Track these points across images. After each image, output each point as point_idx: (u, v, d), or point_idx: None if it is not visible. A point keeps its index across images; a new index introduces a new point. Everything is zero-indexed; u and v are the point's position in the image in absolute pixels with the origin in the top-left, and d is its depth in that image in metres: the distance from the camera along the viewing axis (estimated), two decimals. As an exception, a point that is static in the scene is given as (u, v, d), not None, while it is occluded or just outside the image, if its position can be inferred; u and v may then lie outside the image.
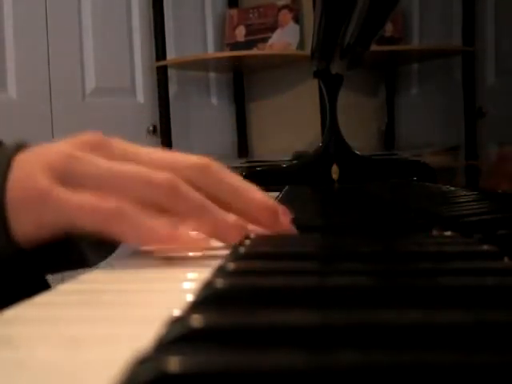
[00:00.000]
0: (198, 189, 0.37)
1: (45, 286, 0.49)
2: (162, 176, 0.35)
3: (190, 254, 0.36)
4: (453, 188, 0.80)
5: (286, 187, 1.02)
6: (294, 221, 0.41)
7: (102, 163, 0.36)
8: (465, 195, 0.69)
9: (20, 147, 0.38)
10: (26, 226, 0.35)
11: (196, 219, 0.36)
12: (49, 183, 0.34)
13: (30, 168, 0.35)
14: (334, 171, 1.10)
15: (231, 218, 0.37)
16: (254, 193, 0.39)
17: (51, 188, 0.34)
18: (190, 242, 0.36)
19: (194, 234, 0.37)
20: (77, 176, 0.35)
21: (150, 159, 0.37)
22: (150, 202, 0.35)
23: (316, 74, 1.17)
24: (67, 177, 0.35)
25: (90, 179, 0.35)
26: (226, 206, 0.38)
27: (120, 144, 0.38)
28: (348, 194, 0.92)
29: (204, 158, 0.38)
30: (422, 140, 2.13)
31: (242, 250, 0.31)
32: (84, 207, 0.34)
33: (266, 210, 0.38)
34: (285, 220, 0.39)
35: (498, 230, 0.33)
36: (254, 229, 0.38)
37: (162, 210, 0.36)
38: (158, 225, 0.34)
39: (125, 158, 0.37)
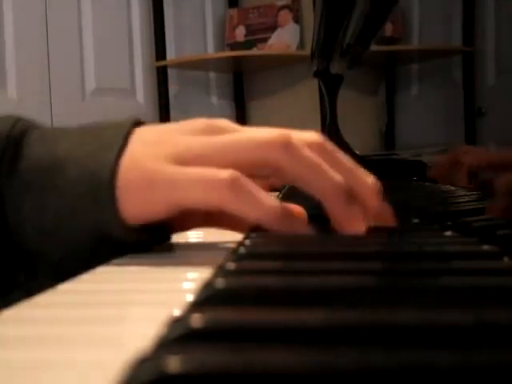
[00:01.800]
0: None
1: None
2: (273, 134, 0.35)
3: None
4: (453, 188, 0.80)
5: (286, 187, 1.02)
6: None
7: (212, 140, 0.35)
8: (465, 195, 0.69)
9: (136, 125, 0.37)
10: (136, 207, 0.34)
11: (311, 181, 0.35)
12: (158, 163, 0.34)
13: (143, 152, 0.35)
14: (334, 171, 1.10)
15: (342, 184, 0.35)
16: (367, 177, 0.38)
17: (160, 167, 0.34)
18: (298, 217, 0.36)
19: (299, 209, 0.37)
20: (186, 156, 0.34)
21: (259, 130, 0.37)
22: (262, 163, 0.35)
23: (316, 74, 1.16)
24: (179, 157, 0.34)
25: (199, 155, 0.34)
26: None
27: (229, 124, 0.37)
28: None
29: (318, 135, 0.37)
30: (422, 140, 2.13)
31: (242, 249, 0.31)
32: (196, 179, 0.33)
33: (376, 195, 0.38)
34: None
35: (498, 230, 0.33)
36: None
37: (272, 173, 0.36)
38: (273, 202, 0.34)
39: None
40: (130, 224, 0.35)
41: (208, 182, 0.33)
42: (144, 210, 0.34)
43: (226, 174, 0.33)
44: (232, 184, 0.33)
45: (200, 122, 0.37)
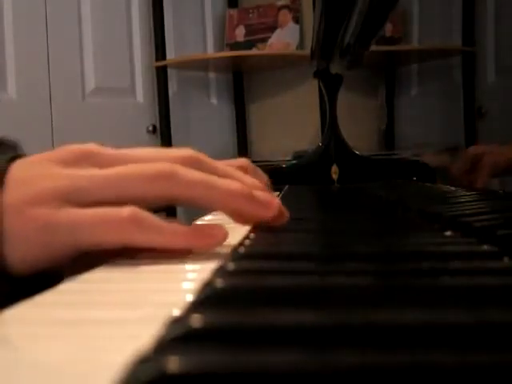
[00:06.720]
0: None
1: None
2: (156, 167, 0.34)
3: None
4: (453, 188, 0.80)
5: (286, 187, 1.02)
6: (294, 221, 0.41)
7: (96, 173, 0.34)
8: (465, 195, 0.69)
9: (11, 161, 0.35)
10: (30, 257, 0.33)
11: (205, 196, 0.35)
12: (48, 208, 0.32)
13: (17, 195, 0.32)
14: (334, 171, 1.10)
15: (237, 185, 0.36)
16: (249, 180, 0.38)
17: (53, 211, 0.32)
18: (211, 236, 0.34)
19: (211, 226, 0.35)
20: (78, 194, 0.33)
21: (138, 158, 0.36)
22: (154, 197, 0.34)
23: (316, 74, 1.17)
24: (69, 197, 0.33)
25: (90, 193, 0.33)
26: None
27: (104, 150, 0.36)
28: (348, 194, 0.92)
29: (190, 150, 0.37)
30: (422, 140, 2.13)
31: (242, 250, 0.31)
32: (98, 220, 0.32)
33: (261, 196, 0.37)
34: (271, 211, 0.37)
35: (498, 229, 0.33)
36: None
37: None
38: (177, 226, 0.33)
39: (113, 163, 0.35)
40: (16, 275, 0.33)
41: (110, 222, 0.32)
42: (41, 260, 0.33)
43: (127, 211, 0.32)
44: (135, 220, 0.32)
45: (70, 151, 0.35)
